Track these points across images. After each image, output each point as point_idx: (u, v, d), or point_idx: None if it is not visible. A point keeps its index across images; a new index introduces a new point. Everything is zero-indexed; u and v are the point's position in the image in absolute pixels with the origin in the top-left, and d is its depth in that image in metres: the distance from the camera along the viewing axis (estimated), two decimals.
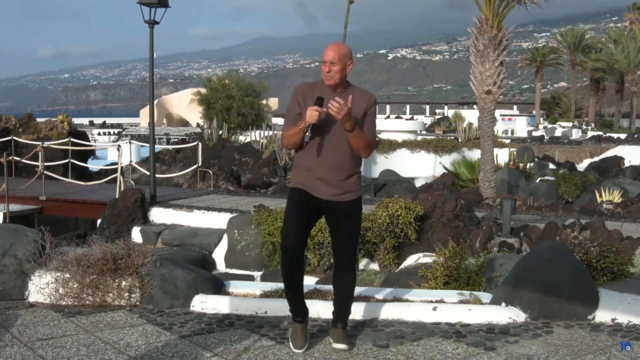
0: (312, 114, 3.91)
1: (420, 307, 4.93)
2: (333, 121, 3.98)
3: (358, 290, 5.58)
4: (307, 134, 3.99)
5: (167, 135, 48.43)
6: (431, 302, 5.05)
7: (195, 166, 16.00)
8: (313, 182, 4.08)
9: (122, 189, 13.06)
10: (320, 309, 4.94)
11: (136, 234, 11.17)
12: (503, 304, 4.91)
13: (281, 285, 5.71)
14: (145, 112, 60.63)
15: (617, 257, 5.18)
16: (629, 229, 9.17)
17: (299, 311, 4.23)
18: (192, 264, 6.68)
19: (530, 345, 4.22)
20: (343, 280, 4.21)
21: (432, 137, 26.74)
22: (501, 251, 7.97)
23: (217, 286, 5.55)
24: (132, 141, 19.68)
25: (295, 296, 4.21)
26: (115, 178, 14.16)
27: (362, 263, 8.62)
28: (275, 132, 19.60)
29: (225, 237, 10.21)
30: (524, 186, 14.48)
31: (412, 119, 53.82)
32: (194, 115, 49.29)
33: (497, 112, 36.00)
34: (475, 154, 18.82)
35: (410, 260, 7.94)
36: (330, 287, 5.59)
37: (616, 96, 56.56)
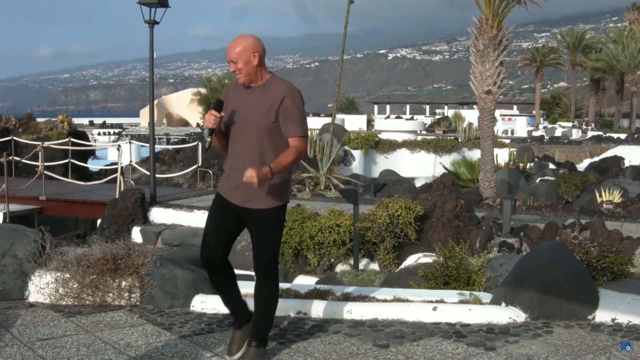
0: (208, 118, 3.74)
1: (420, 307, 4.93)
2: (241, 122, 3.77)
3: (358, 290, 5.58)
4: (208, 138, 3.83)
5: (167, 135, 48.40)
6: (431, 302, 5.05)
7: (195, 166, 16.00)
8: (227, 187, 3.87)
9: (122, 189, 13.07)
10: (321, 309, 4.94)
11: (136, 234, 11.18)
12: (503, 304, 4.91)
13: (281, 285, 5.72)
14: (145, 112, 60.61)
15: (617, 257, 5.18)
16: (629, 229, 9.17)
17: (237, 317, 4.03)
18: (192, 264, 6.67)
19: (530, 345, 4.21)
20: (256, 291, 3.90)
21: (432, 137, 26.78)
22: (501, 251, 7.97)
23: None
24: (132, 141, 19.68)
25: (231, 304, 4.04)
26: (115, 178, 14.17)
27: (362, 263, 8.62)
28: None
29: None
30: (524, 186, 14.48)
31: (412, 119, 53.81)
32: (194, 115, 49.34)
33: (497, 112, 35.97)
34: (475, 154, 18.83)
35: (410, 260, 7.94)
36: (330, 287, 5.60)
37: (616, 96, 56.58)
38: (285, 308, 4.95)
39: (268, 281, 3.88)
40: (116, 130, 54.29)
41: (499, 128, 41.57)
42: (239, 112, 3.82)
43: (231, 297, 4.06)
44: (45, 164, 14.89)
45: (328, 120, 21.76)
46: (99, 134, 49.46)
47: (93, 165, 19.72)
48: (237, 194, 3.81)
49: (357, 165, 19.80)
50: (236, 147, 3.81)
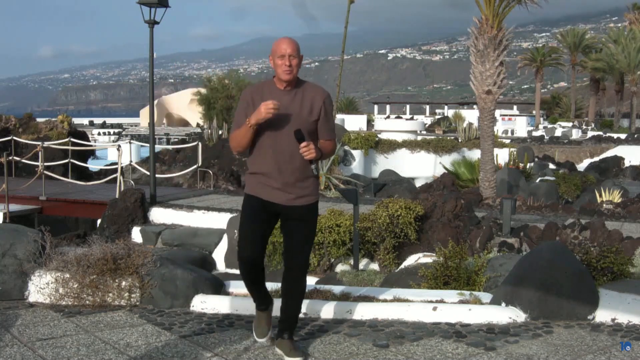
0: (267, 108, 3.70)
1: (420, 307, 4.93)
2: (284, 122, 3.82)
3: (358, 290, 5.58)
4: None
5: (167, 135, 48.42)
6: (431, 302, 5.05)
7: (195, 166, 15.99)
8: (268, 188, 3.93)
9: (122, 189, 13.07)
10: (321, 309, 4.94)
11: (136, 234, 11.18)
12: (503, 304, 4.91)
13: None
14: (145, 112, 60.62)
15: (617, 257, 5.17)
16: (629, 229, 9.17)
17: (263, 301, 4.17)
18: (192, 264, 6.68)
19: (530, 345, 4.21)
20: (293, 287, 4.05)
21: (432, 137, 26.78)
22: (501, 251, 7.97)
23: (217, 286, 5.55)
24: (132, 141, 19.67)
25: (259, 294, 4.17)
26: (115, 178, 14.17)
27: (362, 263, 8.62)
28: None
29: (225, 237, 10.22)
30: (524, 186, 14.48)
31: (412, 119, 53.81)
32: (194, 115, 49.29)
33: (497, 112, 35.99)
34: (475, 154, 18.83)
35: (410, 260, 7.95)
36: (330, 287, 5.60)
37: (616, 96, 56.56)
38: None
39: (305, 274, 4.07)
40: (116, 130, 54.27)
41: (499, 128, 41.56)
42: (282, 112, 3.83)
43: (262, 289, 4.19)
44: (45, 164, 14.88)
45: None
46: (99, 134, 49.44)
47: (93, 165, 19.73)
48: (282, 194, 3.93)
49: (357, 165, 19.80)
50: (280, 147, 3.85)
